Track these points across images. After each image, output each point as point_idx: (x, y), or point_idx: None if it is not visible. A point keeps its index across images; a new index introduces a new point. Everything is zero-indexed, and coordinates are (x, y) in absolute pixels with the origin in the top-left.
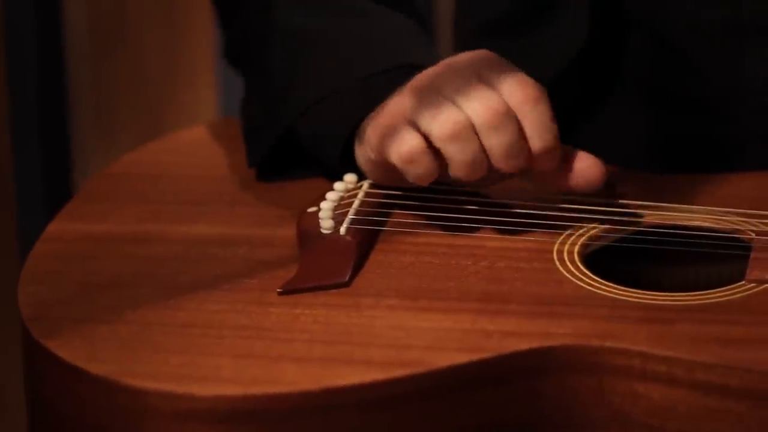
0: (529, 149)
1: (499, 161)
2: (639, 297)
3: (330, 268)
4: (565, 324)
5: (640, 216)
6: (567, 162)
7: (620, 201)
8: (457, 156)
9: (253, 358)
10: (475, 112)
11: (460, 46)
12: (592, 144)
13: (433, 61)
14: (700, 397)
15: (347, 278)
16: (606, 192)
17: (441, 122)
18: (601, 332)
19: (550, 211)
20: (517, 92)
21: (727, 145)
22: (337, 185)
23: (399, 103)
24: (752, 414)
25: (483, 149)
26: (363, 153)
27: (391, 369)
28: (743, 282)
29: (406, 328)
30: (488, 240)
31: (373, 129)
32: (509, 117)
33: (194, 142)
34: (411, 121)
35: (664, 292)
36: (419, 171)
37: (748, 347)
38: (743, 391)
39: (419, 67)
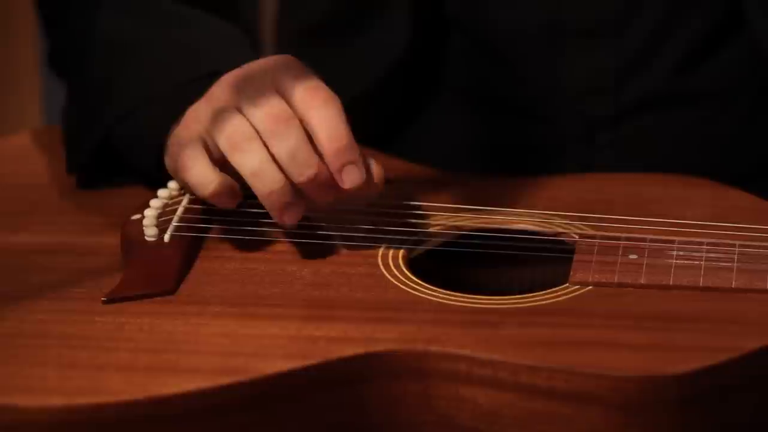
0: (319, 155)
1: (287, 168)
2: (464, 301)
3: (155, 275)
4: (390, 329)
5: (465, 219)
6: None
7: (444, 205)
8: (242, 167)
9: (77, 367)
10: (258, 120)
11: (283, 52)
12: (416, 147)
13: None
14: (526, 400)
15: (172, 286)
16: (430, 195)
17: (226, 134)
18: (426, 337)
19: (375, 216)
20: (304, 97)
21: (548, 147)
22: (161, 192)
23: (195, 112)
24: (579, 416)
25: (270, 159)
26: (168, 162)
27: (217, 377)
28: (567, 284)
29: (231, 335)
30: (313, 246)
31: (171, 140)
32: (291, 122)
33: (17, 150)
34: (205, 133)
35: (490, 295)
36: (209, 191)
37: (573, 349)
38: (569, 394)
39: None
